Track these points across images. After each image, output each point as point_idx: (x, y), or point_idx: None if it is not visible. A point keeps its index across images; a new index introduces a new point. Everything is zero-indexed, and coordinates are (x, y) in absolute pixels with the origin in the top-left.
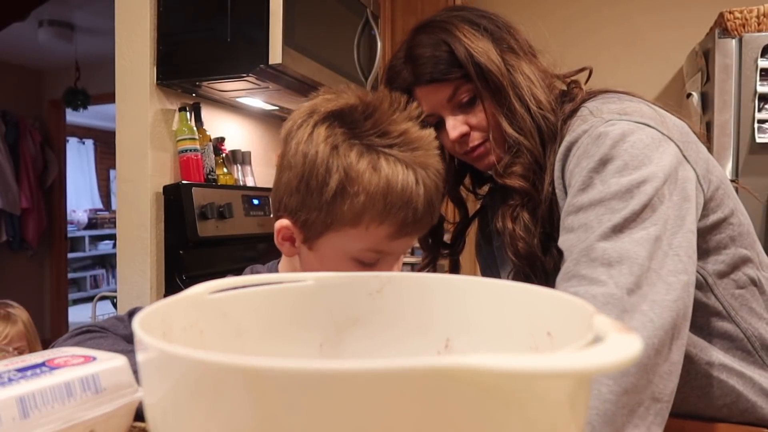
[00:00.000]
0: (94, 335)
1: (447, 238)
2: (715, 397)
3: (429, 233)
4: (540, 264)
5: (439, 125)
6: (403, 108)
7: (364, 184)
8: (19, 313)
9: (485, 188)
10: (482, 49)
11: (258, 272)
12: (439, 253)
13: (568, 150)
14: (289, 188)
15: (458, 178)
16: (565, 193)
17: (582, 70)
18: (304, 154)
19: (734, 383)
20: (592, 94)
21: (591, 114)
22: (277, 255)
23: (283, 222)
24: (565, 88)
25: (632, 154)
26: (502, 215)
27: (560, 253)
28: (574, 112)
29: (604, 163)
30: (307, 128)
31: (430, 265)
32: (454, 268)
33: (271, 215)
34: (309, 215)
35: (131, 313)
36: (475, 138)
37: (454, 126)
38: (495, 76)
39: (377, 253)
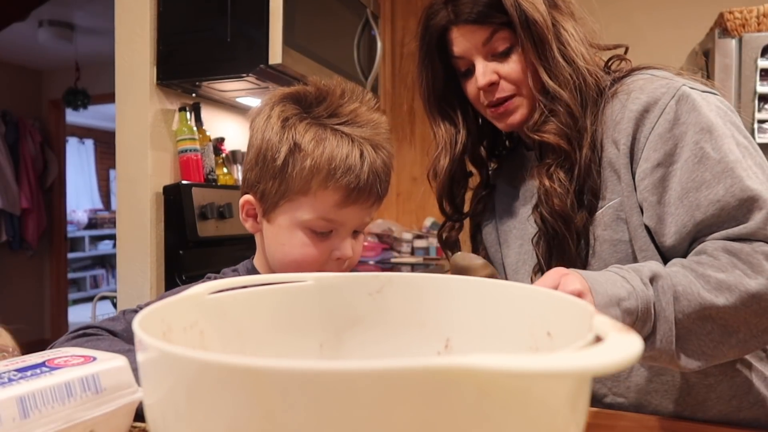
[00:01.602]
0: (90, 338)
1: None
2: (726, 388)
3: (445, 199)
4: (572, 223)
5: (468, 73)
6: (357, 95)
7: (309, 151)
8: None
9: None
10: None
11: (237, 272)
12: (459, 217)
13: (646, 110)
14: (250, 164)
15: (480, 136)
16: (631, 150)
17: (619, 46)
18: (262, 130)
19: (747, 375)
20: (640, 68)
21: (655, 77)
22: None
23: (246, 197)
24: (603, 59)
25: (734, 122)
26: (537, 173)
27: (591, 213)
28: (622, 78)
29: (709, 130)
30: (265, 110)
31: (454, 230)
32: (475, 236)
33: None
34: (265, 186)
35: (124, 312)
36: (504, 89)
37: (484, 72)
38: (540, 27)
39: (328, 222)
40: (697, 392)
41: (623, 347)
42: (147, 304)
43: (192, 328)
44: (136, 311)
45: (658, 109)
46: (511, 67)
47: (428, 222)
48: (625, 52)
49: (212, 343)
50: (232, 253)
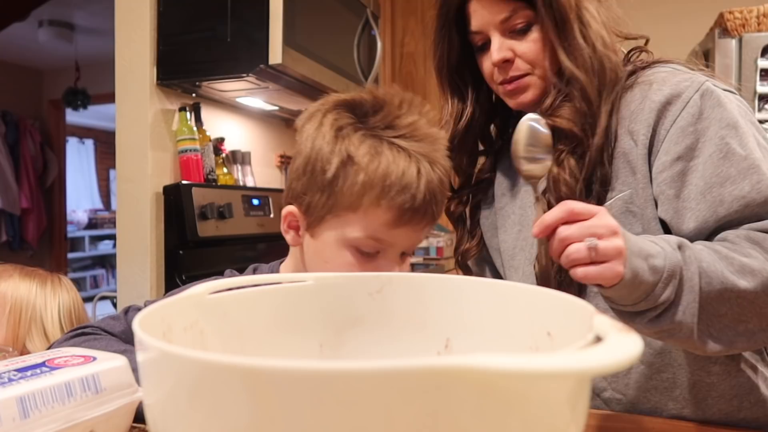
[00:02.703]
0: (88, 337)
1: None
2: (728, 387)
3: (457, 173)
4: None
5: (483, 48)
6: (416, 107)
7: (363, 165)
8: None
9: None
10: None
11: (261, 271)
12: (468, 191)
13: (668, 102)
14: (297, 173)
15: (491, 115)
16: (649, 142)
17: (641, 36)
18: (312, 138)
19: (750, 375)
20: (660, 60)
21: (677, 71)
22: (278, 255)
23: (290, 208)
24: (623, 50)
25: (753, 122)
26: (554, 162)
27: (599, 203)
28: (642, 69)
29: (734, 127)
30: (317, 116)
31: (461, 204)
32: (474, 214)
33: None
34: (312, 197)
35: (127, 311)
36: (519, 67)
37: (500, 48)
38: (562, 6)
39: (377, 242)
40: (698, 390)
41: (623, 347)
42: (152, 302)
43: (192, 328)
44: (140, 309)
45: (681, 102)
46: (528, 45)
47: None
48: (646, 44)
49: (212, 343)
50: (232, 253)
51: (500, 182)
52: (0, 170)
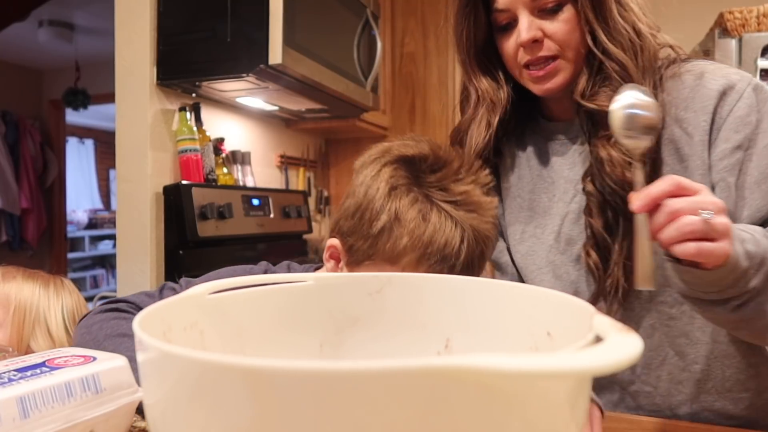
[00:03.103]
0: (120, 314)
1: None
2: (763, 380)
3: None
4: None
5: (506, 28)
6: (473, 172)
7: (409, 228)
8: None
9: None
10: None
11: (294, 269)
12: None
13: (724, 92)
14: (347, 213)
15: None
16: (709, 129)
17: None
18: (367, 187)
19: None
20: (696, 57)
21: (721, 65)
22: (277, 255)
23: (334, 241)
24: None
25: None
26: (598, 143)
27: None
28: (681, 62)
29: None
30: (376, 165)
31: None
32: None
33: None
34: (356, 242)
35: (162, 289)
36: (548, 48)
37: (529, 27)
38: None
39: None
40: (732, 384)
41: (623, 347)
42: (190, 279)
43: (192, 328)
44: (174, 288)
45: (736, 92)
46: (559, 26)
47: None
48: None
49: (212, 343)
50: (232, 253)
51: (507, 160)
52: (0, 170)
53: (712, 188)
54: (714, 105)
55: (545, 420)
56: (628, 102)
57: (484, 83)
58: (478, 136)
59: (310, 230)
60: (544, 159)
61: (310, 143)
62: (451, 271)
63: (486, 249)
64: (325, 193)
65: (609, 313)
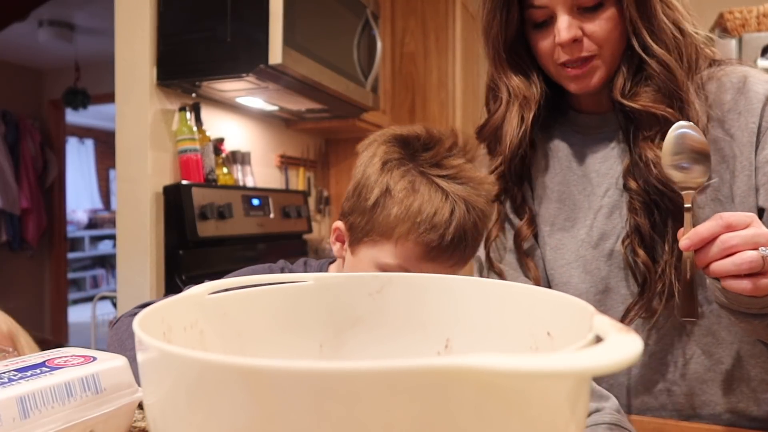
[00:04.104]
0: None
1: None
2: (754, 355)
3: (512, 169)
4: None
5: (543, 25)
6: (467, 150)
7: (399, 199)
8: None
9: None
10: None
11: (310, 265)
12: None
13: None
14: (348, 194)
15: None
16: (756, 132)
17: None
18: (365, 166)
19: None
20: (732, 61)
21: (756, 72)
22: (277, 255)
23: (338, 223)
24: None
25: None
26: (646, 145)
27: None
28: (721, 63)
29: None
30: (373, 145)
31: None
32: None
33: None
34: (355, 219)
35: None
36: (588, 47)
37: (569, 27)
38: None
39: (405, 272)
40: (757, 384)
41: (623, 347)
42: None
43: (192, 328)
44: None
45: None
46: (599, 25)
47: None
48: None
49: (212, 343)
50: (232, 253)
51: (538, 152)
52: (0, 170)
53: (757, 191)
54: (761, 107)
55: (545, 420)
56: (679, 131)
57: (516, 80)
58: (513, 133)
59: (310, 230)
60: (575, 151)
61: (310, 143)
62: (442, 240)
63: (479, 222)
64: (325, 193)
65: (650, 315)
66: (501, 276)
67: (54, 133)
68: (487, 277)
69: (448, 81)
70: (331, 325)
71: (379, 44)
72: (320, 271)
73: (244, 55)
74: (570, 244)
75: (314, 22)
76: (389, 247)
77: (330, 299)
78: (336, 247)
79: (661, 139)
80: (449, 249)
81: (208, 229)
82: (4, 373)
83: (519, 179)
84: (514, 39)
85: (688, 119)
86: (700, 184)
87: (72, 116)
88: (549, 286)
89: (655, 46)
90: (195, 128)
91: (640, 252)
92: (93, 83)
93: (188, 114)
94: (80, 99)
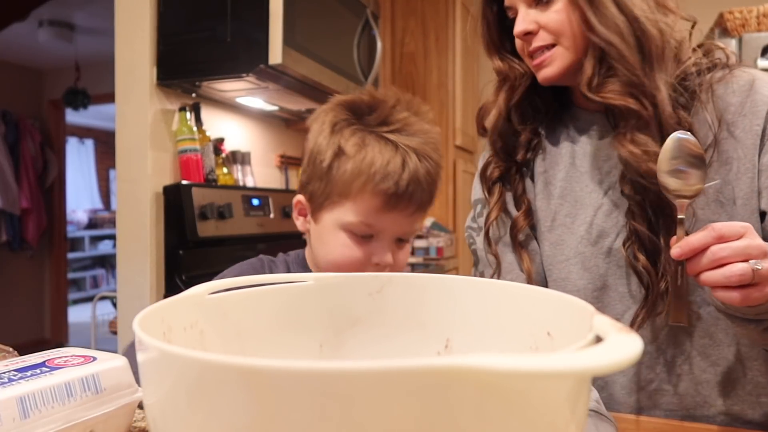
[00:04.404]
0: None
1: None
2: (763, 372)
3: (498, 133)
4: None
5: (515, 21)
6: (411, 106)
7: (351, 155)
8: None
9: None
10: None
11: (289, 256)
12: (506, 157)
13: None
14: (304, 166)
15: (533, 85)
16: (761, 135)
17: (690, 18)
18: (315, 134)
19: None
20: (745, 64)
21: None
22: (275, 254)
23: (299, 196)
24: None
25: None
26: (618, 143)
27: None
28: (729, 66)
29: None
30: (321, 116)
31: (497, 169)
32: (507, 174)
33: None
34: (314, 186)
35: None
36: (541, 38)
37: (522, 20)
38: None
39: (368, 227)
40: (753, 388)
41: (623, 347)
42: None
43: (192, 328)
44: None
45: None
46: (551, 16)
47: (428, 222)
48: (693, 27)
49: (212, 343)
50: (232, 253)
51: (545, 146)
52: (0, 170)
53: (759, 193)
54: (767, 111)
55: (545, 420)
56: (678, 135)
57: (500, 64)
58: (494, 115)
59: None
60: (579, 149)
61: None
62: (398, 188)
63: (431, 169)
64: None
65: (653, 316)
66: (497, 259)
67: (54, 133)
68: (485, 262)
69: (448, 81)
70: (331, 324)
71: (379, 44)
72: (297, 260)
73: (244, 55)
74: (570, 240)
75: (314, 22)
76: (349, 204)
77: (330, 299)
78: (300, 222)
79: (635, 131)
80: (406, 196)
81: (208, 229)
82: (4, 373)
83: (507, 157)
84: (500, 35)
85: (661, 113)
86: (695, 191)
87: (72, 116)
88: (545, 281)
89: (605, 32)
90: (195, 128)
91: (641, 256)
92: (93, 83)
93: (188, 114)
94: (80, 99)
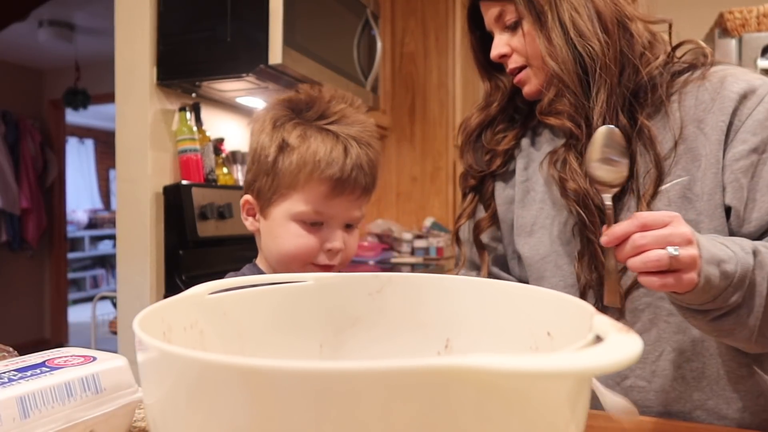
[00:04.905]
0: None
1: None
2: (755, 383)
3: (468, 147)
4: (591, 201)
5: None
6: (346, 100)
7: (295, 146)
8: None
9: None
10: None
11: (248, 269)
12: (479, 171)
13: (745, 96)
14: (248, 166)
15: (513, 94)
16: (726, 130)
17: (661, 20)
18: (257, 134)
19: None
20: (722, 62)
21: (745, 70)
22: None
23: (246, 197)
24: (650, 32)
25: None
26: (549, 161)
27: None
28: (705, 66)
29: None
30: (260, 116)
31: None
32: (480, 187)
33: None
34: (260, 183)
35: None
36: (514, 61)
37: (497, 45)
38: (537, 3)
39: (318, 214)
40: (726, 383)
41: (623, 347)
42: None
43: (192, 328)
44: None
45: (756, 97)
46: (519, 40)
47: (428, 222)
48: (670, 28)
49: (212, 343)
50: (232, 253)
51: (525, 156)
52: (0, 170)
53: (723, 189)
54: (733, 107)
55: (545, 420)
56: (607, 127)
57: (492, 88)
58: (466, 133)
59: None
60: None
61: None
62: (342, 173)
63: (372, 155)
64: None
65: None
66: (463, 258)
67: (54, 133)
68: (467, 258)
69: (448, 81)
70: (331, 324)
71: (379, 44)
72: (252, 271)
73: (244, 55)
74: (546, 240)
75: (314, 22)
76: (298, 195)
77: (329, 299)
78: (249, 222)
79: (568, 151)
80: (351, 181)
81: (208, 229)
82: (4, 373)
83: (479, 171)
84: (486, 56)
85: (588, 127)
86: (622, 181)
87: (72, 116)
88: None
89: (548, 59)
90: (195, 128)
91: (582, 276)
92: (93, 83)
93: (188, 114)
94: (80, 99)
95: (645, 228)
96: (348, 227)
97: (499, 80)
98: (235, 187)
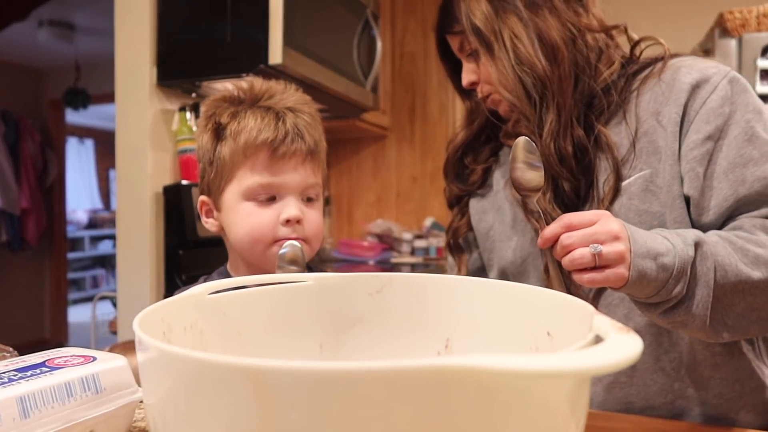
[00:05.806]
0: None
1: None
2: (731, 369)
3: (451, 164)
4: (551, 217)
5: None
6: (280, 86)
7: (232, 128)
8: None
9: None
10: (476, 5)
11: (212, 278)
12: (460, 187)
13: (697, 85)
14: (199, 171)
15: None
16: (680, 121)
17: (615, 26)
18: (198, 136)
19: (752, 358)
20: (679, 54)
21: (700, 59)
22: None
23: (201, 198)
24: (605, 39)
25: None
26: (510, 183)
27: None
28: (663, 59)
29: (759, 112)
30: (199, 120)
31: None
32: (459, 200)
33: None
34: (209, 176)
35: None
36: (484, 89)
37: (465, 74)
38: (482, 31)
39: (267, 187)
40: (702, 369)
41: (623, 347)
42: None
43: (192, 328)
44: None
45: (710, 85)
46: (482, 69)
47: (428, 222)
48: (626, 31)
49: (212, 343)
50: None
51: (501, 168)
52: (0, 170)
53: (681, 179)
54: (686, 98)
55: (545, 419)
56: (527, 137)
57: (472, 106)
58: (451, 151)
59: None
60: None
61: None
62: (278, 133)
63: (310, 119)
64: (325, 193)
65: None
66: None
67: (54, 133)
68: (458, 260)
69: (448, 81)
70: (331, 325)
71: (379, 44)
72: (220, 277)
73: (244, 55)
74: (524, 242)
75: (314, 22)
76: (244, 170)
77: (330, 299)
78: (210, 223)
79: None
80: (293, 142)
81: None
82: (4, 373)
83: (461, 185)
84: (459, 83)
85: (543, 146)
86: (541, 185)
87: (72, 116)
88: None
89: (501, 90)
90: (195, 128)
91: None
92: (93, 83)
93: (188, 114)
94: (80, 99)
95: (571, 228)
96: (309, 201)
97: (477, 101)
98: None
